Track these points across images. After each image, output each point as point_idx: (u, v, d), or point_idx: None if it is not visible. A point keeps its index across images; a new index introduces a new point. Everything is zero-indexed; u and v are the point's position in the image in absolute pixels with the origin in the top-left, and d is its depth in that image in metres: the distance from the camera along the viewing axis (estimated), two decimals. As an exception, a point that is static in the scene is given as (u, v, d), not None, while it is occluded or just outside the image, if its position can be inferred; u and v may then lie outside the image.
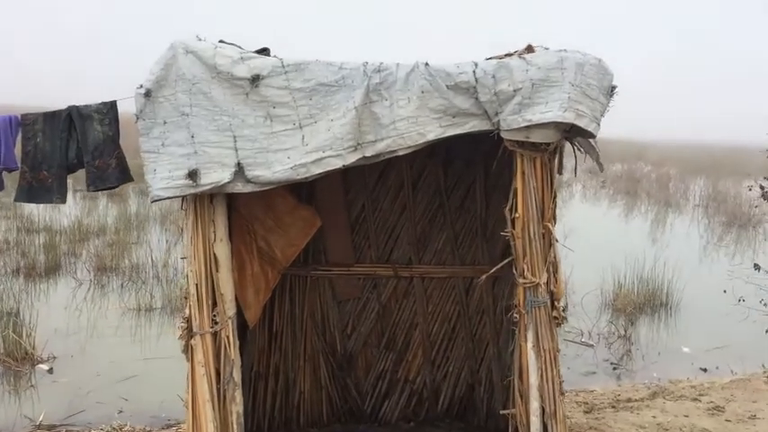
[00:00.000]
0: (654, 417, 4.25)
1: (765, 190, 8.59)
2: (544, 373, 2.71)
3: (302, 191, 3.91)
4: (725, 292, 8.74)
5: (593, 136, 2.51)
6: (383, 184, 4.08)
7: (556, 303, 2.68)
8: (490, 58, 2.59)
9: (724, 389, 4.83)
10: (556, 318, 2.66)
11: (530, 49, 2.62)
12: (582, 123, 2.41)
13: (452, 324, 4.21)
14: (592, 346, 8.53)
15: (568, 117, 2.38)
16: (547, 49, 2.58)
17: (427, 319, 4.18)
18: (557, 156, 2.64)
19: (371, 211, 4.10)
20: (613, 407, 4.96)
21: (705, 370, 7.54)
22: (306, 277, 4.14)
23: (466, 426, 4.11)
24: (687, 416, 4.27)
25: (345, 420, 4.22)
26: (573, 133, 2.51)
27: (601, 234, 16.67)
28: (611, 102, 2.49)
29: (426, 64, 2.53)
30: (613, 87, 2.49)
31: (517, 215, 2.65)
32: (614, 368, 7.85)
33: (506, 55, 2.57)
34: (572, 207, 23.96)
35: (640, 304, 10.13)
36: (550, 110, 2.38)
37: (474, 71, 2.46)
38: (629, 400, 5.17)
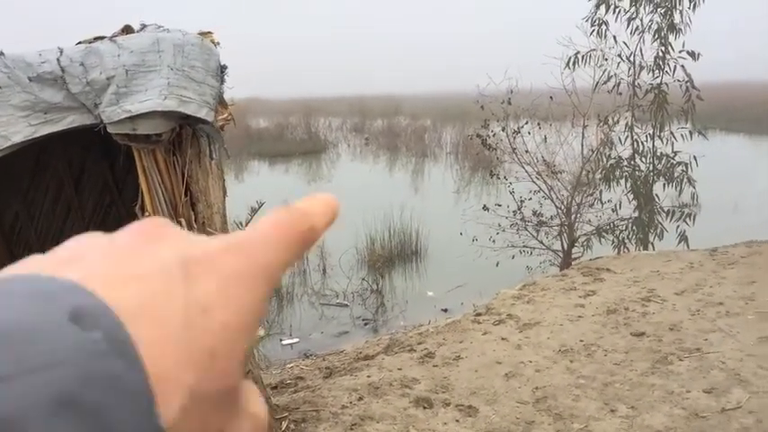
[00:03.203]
0: (369, 376, 4.38)
1: (483, 138, 9.41)
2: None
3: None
4: (461, 234, 9.42)
5: (206, 122, 2.33)
6: (37, 188, 3.59)
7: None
8: (80, 43, 2.29)
9: (439, 333, 5.14)
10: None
11: (127, 29, 2.37)
12: (189, 110, 2.22)
13: None
14: (346, 305, 8.79)
15: (170, 105, 2.17)
16: (145, 26, 2.34)
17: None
18: (184, 144, 2.44)
19: (28, 217, 3.60)
20: (347, 369, 5.05)
21: (446, 310, 8.13)
22: None
23: None
24: (401, 368, 4.47)
25: None
26: (191, 120, 2.33)
27: (363, 191, 17.28)
28: (225, 83, 2.34)
29: (1, 53, 2.16)
30: (223, 67, 2.34)
31: (147, 214, 2.43)
32: (365, 324, 8.17)
33: (97, 38, 2.29)
34: (340, 167, 24.59)
35: (391, 257, 10.65)
36: (150, 98, 2.16)
37: (59, 59, 2.15)
38: (366, 358, 5.31)
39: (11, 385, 0.20)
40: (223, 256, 0.28)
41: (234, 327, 0.27)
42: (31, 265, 0.27)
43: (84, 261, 0.27)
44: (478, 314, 5.40)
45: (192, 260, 0.28)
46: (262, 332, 7.76)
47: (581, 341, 4.62)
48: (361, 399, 4.04)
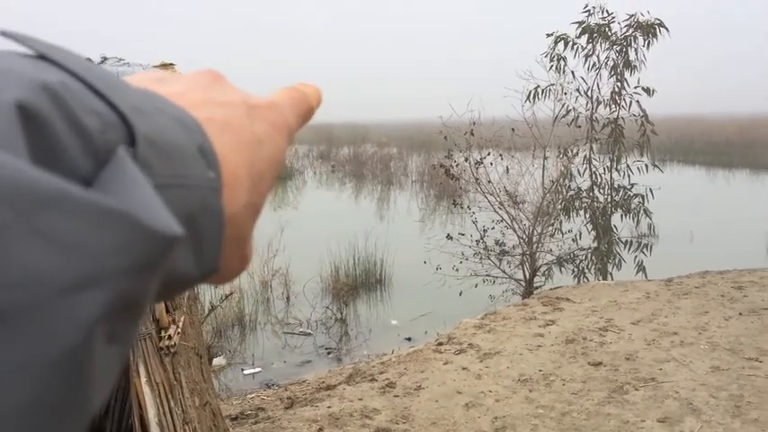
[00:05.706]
0: (329, 407, 4.37)
1: (446, 168, 9.55)
2: (161, 407, 2.55)
3: None
4: (425, 263, 9.47)
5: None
6: None
7: (163, 333, 2.52)
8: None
9: (400, 363, 5.15)
10: (162, 348, 2.50)
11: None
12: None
13: None
14: (310, 334, 8.73)
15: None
16: (105, 59, 2.36)
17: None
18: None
19: None
20: (309, 399, 5.02)
21: (410, 339, 8.14)
22: None
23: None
24: (361, 399, 4.47)
25: None
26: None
27: (329, 218, 17.26)
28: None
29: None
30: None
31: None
32: (329, 353, 8.13)
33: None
34: (306, 194, 24.54)
35: (355, 285, 10.64)
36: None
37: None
38: (327, 388, 5.28)
39: (165, 193, 0.26)
40: (267, 109, 0.36)
41: (274, 160, 0.35)
42: (133, 80, 0.33)
43: (169, 84, 0.34)
44: (440, 343, 5.43)
45: (251, 104, 0.35)
46: (223, 361, 7.68)
47: (540, 371, 4.69)
48: (320, 430, 4.02)
